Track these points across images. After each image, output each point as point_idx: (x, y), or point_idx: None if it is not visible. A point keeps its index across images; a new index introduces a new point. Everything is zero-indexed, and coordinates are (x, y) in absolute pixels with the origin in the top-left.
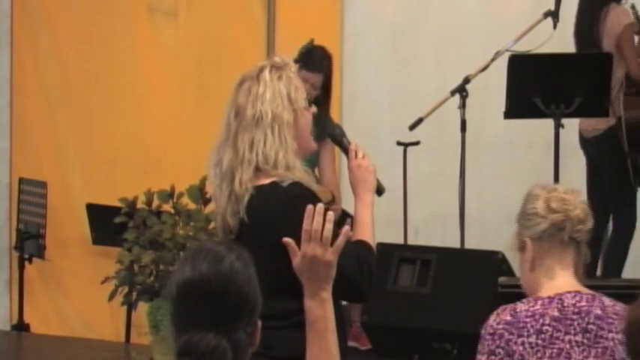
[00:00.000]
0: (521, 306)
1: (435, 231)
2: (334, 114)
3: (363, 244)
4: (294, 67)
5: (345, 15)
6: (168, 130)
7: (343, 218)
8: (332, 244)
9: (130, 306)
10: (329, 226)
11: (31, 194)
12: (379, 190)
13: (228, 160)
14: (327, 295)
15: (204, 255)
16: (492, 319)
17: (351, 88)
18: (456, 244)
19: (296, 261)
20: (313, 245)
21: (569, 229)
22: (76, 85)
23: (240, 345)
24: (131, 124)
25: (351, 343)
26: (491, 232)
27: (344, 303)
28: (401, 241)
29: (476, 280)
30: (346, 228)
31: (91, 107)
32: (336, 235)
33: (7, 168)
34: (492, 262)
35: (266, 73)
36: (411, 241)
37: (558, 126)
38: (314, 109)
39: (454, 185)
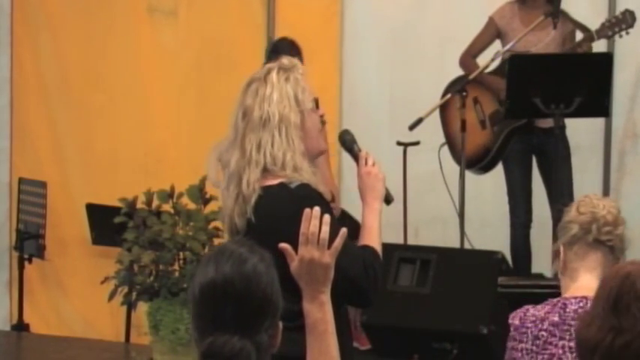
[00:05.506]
0: (532, 310)
1: (435, 231)
2: (334, 114)
3: (369, 250)
4: (301, 69)
5: (345, 15)
6: (169, 130)
7: (343, 217)
8: (329, 247)
9: (130, 306)
10: (325, 229)
11: (30, 194)
12: (387, 199)
13: (236, 161)
14: (326, 297)
15: (227, 256)
16: (511, 315)
17: (351, 87)
18: (456, 244)
19: (294, 265)
20: (310, 248)
21: (595, 230)
22: (76, 85)
23: (263, 347)
24: (131, 124)
25: None
26: (491, 232)
27: None
28: (401, 241)
29: (476, 280)
30: (343, 230)
31: (91, 107)
32: (335, 234)
33: (7, 168)
34: (492, 262)
35: (273, 75)
36: (410, 241)
37: (558, 127)
38: (322, 110)
39: (454, 185)
